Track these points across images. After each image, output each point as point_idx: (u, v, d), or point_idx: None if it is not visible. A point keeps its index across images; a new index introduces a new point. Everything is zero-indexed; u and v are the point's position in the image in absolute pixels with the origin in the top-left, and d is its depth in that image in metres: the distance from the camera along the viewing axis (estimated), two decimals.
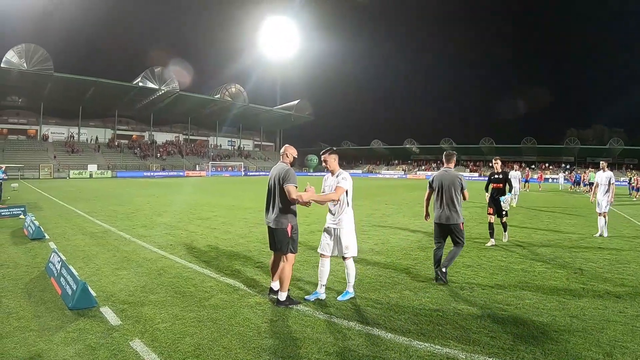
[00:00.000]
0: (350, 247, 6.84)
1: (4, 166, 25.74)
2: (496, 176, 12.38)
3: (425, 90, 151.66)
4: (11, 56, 69.09)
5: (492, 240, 11.76)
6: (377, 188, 42.21)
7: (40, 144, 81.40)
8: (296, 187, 6.52)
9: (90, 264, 9.26)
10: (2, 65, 67.72)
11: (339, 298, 6.86)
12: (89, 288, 6.64)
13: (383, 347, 5.16)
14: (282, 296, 6.57)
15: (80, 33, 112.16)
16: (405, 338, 5.41)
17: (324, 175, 7.20)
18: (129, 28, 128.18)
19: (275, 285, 6.91)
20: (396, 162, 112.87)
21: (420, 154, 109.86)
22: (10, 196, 27.10)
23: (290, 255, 6.59)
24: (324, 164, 6.92)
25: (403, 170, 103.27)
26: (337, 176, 6.82)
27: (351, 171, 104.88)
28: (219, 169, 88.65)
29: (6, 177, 24.22)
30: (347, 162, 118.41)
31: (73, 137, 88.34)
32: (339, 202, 6.79)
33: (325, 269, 6.92)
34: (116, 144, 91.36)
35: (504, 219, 12.23)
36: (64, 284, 6.98)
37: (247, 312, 6.27)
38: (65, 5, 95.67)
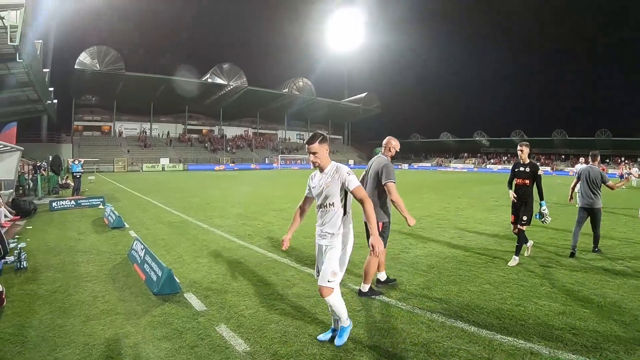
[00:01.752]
0: (328, 274, 4.75)
1: (82, 160, 26.69)
2: (521, 169, 8.63)
3: (495, 81, 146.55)
4: (84, 58, 72.87)
5: (516, 258, 8.57)
6: (448, 182, 41.36)
7: (114, 139, 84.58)
8: (395, 183, 6.40)
9: (172, 252, 9.48)
10: (76, 67, 71.15)
11: (337, 343, 4.98)
12: (174, 274, 6.72)
13: (466, 339, 5.04)
14: (365, 287, 6.48)
15: (148, 32, 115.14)
16: (488, 332, 5.25)
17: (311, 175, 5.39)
18: (195, 26, 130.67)
19: (382, 275, 6.96)
20: (465, 154, 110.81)
21: (490, 146, 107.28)
22: (87, 188, 28.15)
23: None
24: (311, 157, 4.94)
25: (473, 163, 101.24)
26: (336, 172, 4.86)
27: (420, 164, 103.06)
28: (288, 162, 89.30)
29: (83, 171, 25.13)
30: (415, 154, 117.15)
31: (145, 132, 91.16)
32: (331, 207, 4.91)
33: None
34: (187, 138, 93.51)
35: (523, 227, 8.48)
36: (148, 271, 7.11)
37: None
38: (133, 6, 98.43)
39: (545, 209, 8.80)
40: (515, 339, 5.02)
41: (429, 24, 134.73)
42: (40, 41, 43.48)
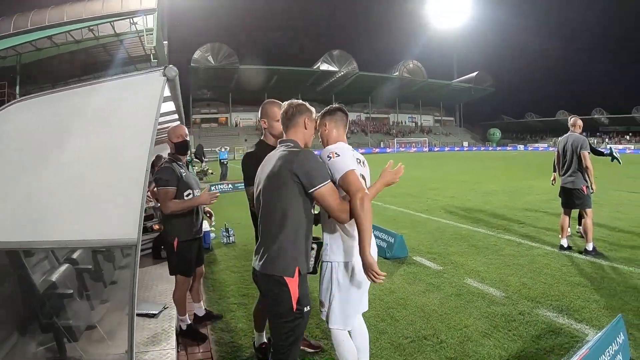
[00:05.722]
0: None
1: (227, 147, 28.19)
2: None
3: (616, 53, 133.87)
4: (198, 55, 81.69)
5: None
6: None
7: (232, 129, 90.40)
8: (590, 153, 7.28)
9: None
10: (191, 64, 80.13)
11: None
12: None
13: None
14: (589, 246, 7.23)
15: (259, 26, 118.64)
16: None
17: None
18: (304, 15, 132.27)
19: (565, 242, 7.58)
20: (583, 134, 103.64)
21: (610, 124, 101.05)
22: (213, 172, 27.95)
23: (589, 210, 7.22)
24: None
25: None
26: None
27: (535, 145, 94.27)
28: (403, 146, 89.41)
29: (228, 157, 26.17)
30: (531, 135, 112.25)
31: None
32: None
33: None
34: None
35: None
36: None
37: (543, 260, 6.98)
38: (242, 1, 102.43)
39: None
40: None
41: None
42: (166, 42, 46.26)
